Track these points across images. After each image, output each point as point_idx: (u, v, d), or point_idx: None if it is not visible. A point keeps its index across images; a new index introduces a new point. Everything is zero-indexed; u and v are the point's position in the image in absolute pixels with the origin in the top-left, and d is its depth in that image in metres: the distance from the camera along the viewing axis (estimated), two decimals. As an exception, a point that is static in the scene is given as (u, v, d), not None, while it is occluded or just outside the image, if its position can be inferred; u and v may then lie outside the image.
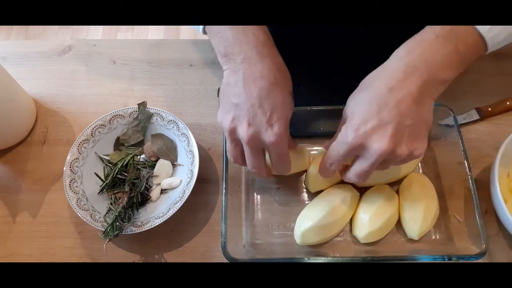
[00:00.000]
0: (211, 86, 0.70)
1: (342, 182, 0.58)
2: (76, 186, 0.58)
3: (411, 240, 0.55)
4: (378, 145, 0.42)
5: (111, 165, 0.61)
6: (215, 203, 0.60)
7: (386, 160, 0.44)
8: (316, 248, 0.55)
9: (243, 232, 0.57)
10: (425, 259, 0.49)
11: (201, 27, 0.49)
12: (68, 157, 0.59)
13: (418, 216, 0.53)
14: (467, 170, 0.53)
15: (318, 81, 0.65)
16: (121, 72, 0.73)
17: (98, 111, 0.69)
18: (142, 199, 0.59)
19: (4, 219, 0.61)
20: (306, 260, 0.50)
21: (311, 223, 0.53)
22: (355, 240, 0.56)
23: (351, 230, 0.56)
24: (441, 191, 0.57)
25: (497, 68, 0.68)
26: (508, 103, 0.64)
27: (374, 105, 0.42)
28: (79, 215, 0.55)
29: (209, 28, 0.48)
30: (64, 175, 0.58)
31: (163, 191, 0.61)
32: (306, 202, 0.58)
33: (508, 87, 0.66)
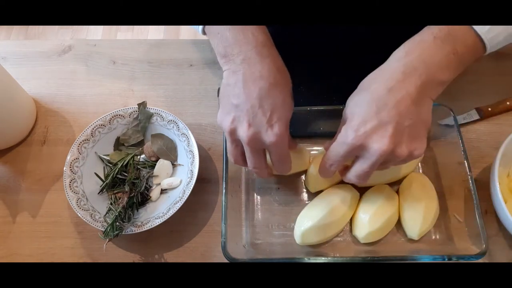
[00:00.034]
0: (211, 86, 0.70)
1: (342, 182, 0.58)
2: (76, 186, 0.58)
3: (411, 240, 0.55)
4: (378, 145, 0.42)
5: (111, 165, 0.61)
6: (215, 203, 0.60)
7: (386, 161, 0.44)
8: (316, 248, 0.55)
9: (243, 232, 0.57)
10: (425, 259, 0.49)
11: (200, 27, 0.49)
12: (68, 157, 0.59)
13: (418, 216, 0.53)
14: (467, 170, 0.53)
15: (318, 81, 0.65)
16: (121, 72, 0.73)
17: (98, 111, 0.69)
18: (142, 199, 0.59)
19: (4, 219, 0.61)
20: (306, 260, 0.50)
21: (311, 223, 0.53)
22: (355, 240, 0.56)
23: (351, 230, 0.56)
24: (441, 191, 0.57)
25: (496, 68, 0.68)
26: (508, 103, 0.64)
27: (373, 105, 0.42)
28: (79, 215, 0.55)
29: (208, 28, 0.48)
30: (64, 175, 0.58)
31: (163, 191, 0.61)
32: (306, 202, 0.58)
33: (508, 87, 0.66)
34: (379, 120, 0.42)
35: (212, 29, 0.48)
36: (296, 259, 0.50)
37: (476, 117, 0.64)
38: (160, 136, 0.63)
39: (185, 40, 0.76)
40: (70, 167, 0.59)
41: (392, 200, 0.55)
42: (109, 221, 0.54)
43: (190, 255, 0.57)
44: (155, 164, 0.62)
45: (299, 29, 0.65)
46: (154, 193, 0.60)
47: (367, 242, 0.54)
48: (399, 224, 0.56)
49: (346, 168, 0.49)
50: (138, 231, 0.54)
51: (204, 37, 0.51)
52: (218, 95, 0.50)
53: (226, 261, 0.50)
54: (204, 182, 0.62)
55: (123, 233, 0.54)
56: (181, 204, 0.55)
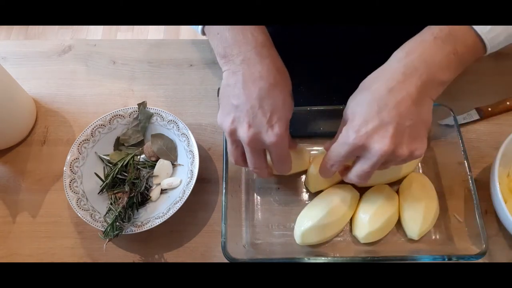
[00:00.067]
0: (211, 86, 0.70)
1: (342, 182, 0.58)
2: (76, 186, 0.58)
3: (411, 240, 0.55)
4: (379, 145, 0.42)
5: (111, 165, 0.61)
6: (215, 203, 0.60)
7: (387, 161, 0.44)
8: (316, 248, 0.55)
9: (243, 232, 0.57)
10: (425, 259, 0.49)
11: (199, 28, 0.49)
12: (68, 157, 0.59)
13: (418, 216, 0.53)
14: (467, 170, 0.53)
15: (318, 81, 0.65)
16: (121, 72, 0.73)
17: (98, 111, 0.69)
18: (142, 199, 0.59)
19: (4, 219, 0.61)
20: (306, 260, 0.50)
21: (311, 223, 0.53)
22: (355, 240, 0.56)
23: (351, 230, 0.56)
24: (441, 191, 0.57)
25: (497, 68, 0.68)
26: (508, 103, 0.64)
27: (374, 106, 0.42)
28: (79, 215, 0.55)
29: (208, 29, 0.48)
30: (64, 175, 0.58)
31: (163, 191, 0.61)
32: (306, 202, 0.58)
33: (508, 87, 0.66)
34: (380, 120, 0.42)
35: (211, 29, 0.48)
36: (296, 259, 0.50)
37: (476, 117, 0.64)
38: (160, 136, 0.63)
39: (185, 40, 0.76)
40: (70, 167, 0.59)
41: (392, 200, 0.55)
42: (109, 221, 0.54)
43: (190, 255, 0.57)
44: (155, 164, 0.62)
45: (299, 29, 0.65)
46: (154, 193, 0.60)
47: (367, 242, 0.54)
48: (399, 224, 0.56)
49: (346, 169, 0.49)
50: (138, 231, 0.54)
51: (204, 37, 0.51)
52: (218, 95, 0.50)
53: (226, 261, 0.50)
54: (204, 182, 0.62)
55: (123, 233, 0.54)
56: (181, 204, 0.55)
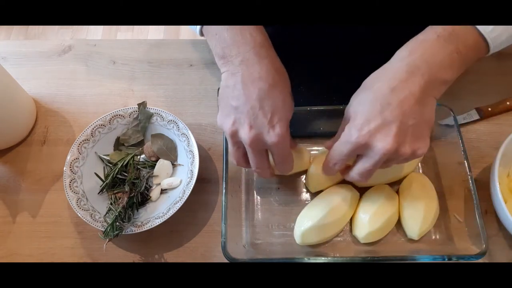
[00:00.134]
0: (211, 86, 0.70)
1: (342, 182, 0.58)
2: (76, 186, 0.58)
3: (411, 240, 0.55)
4: (382, 144, 0.42)
5: (111, 165, 0.61)
6: (215, 203, 0.60)
7: (389, 159, 0.44)
8: (316, 248, 0.55)
9: (243, 232, 0.57)
10: (425, 259, 0.49)
11: (198, 28, 0.49)
12: (68, 157, 0.59)
13: (418, 216, 0.53)
14: (467, 170, 0.53)
15: (318, 81, 0.65)
16: (121, 72, 0.73)
17: (98, 111, 0.69)
18: (142, 199, 0.59)
19: (4, 219, 0.61)
20: (306, 260, 0.50)
21: (311, 223, 0.53)
22: (355, 240, 0.56)
23: (351, 230, 0.56)
24: (441, 191, 0.57)
25: (497, 68, 0.68)
26: (508, 103, 0.64)
27: (377, 105, 0.42)
28: (79, 215, 0.55)
29: (206, 29, 0.48)
30: (64, 175, 0.58)
31: (163, 191, 0.61)
32: (306, 202, 0.58)
33: (508, 87, 0.66)
34: (383, 119, 0.42)
35: (209, 30, 0.48)
36: (296, 259, 0.50)
37: (476, 117, 0.64)
38: (160, 136, 0.63)
39: (185, 40, 0.76)
40: (70, 167, 0.59)
41: (392, 200, 0.55)
42: (109, 221, 0.54)
43: (190, 255, 0.57)
44: (155, 164, 0.62)
45: (299, 29, 0.65)
46: (154, 193, 0.60)
47: (367, 242, 0.54)
48: (399, 224, 0.56)
49: (347, 167, 0.49)
50: (138, 231, 0.54)
51: (204, 38, 0.51)
52: (218, 96, 0.50)
53: (226, 261, 0.50)
54: (204, 182, 0.62)
55: (123, 233, 0.54)
56: (181, 204, 0.55)
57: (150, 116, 0.63)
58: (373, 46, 0.59)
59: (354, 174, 0.47)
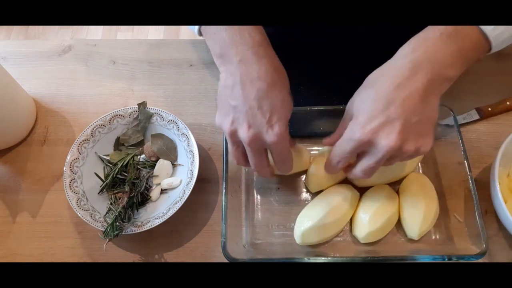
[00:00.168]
0: (211, 86, 0.70)
1: (342, 182, 0.58)
2: (76, 186, 0.58)
3: (411, 240, 0.55)
4: (386, 141, 0.42)
5: (111, 165, 0.61)
6: (215, 203, 0.60)
7: (392, 156, 0.44)
8: (316, 248, 0.55)
9: (243, 232, 0.57)
10: (425, 259, 0.49)
11: (196, 28, 0.49)
12: (68, 157, 0.59)
13: (418, 216, 0.53)
14: (467, 170, 0.53)
15: (318, 81, 0.65)
16: (121, 72, 0.73)
17: (98, 111, 0.69)
18: (142, 199, 0.59)
19: (4, 219, 0.61)
20: (306, 260, 0.50)
21: (311, 223, 0.53)
22: (355, 240, 0.56)
23: (351, 230, 0.56)
24: (441, 191, 0.57)
25: (497, 68, 0.68)
26: (508, 103, 0.64)
27: (380, 102, 0.42)
28: (79, 215, 0.55)
29: (204, 29, 0.48)
30: (64, 175, 0.58)
31: (163, 191, 0.61)
32: (306, 202, 0.58)
33: (508, 87, 0.66)
34: (386, 116, 0.42)
35: (208, 29, 0.48)
36: (296, 259, 0.50)
37: (476, 117, 0.64)
38: (160, 136, 0.63)
39: (185, 40, 0.76)
40: (70, 167, 0.59)
41: (392, 200, 0.55)
42: (109, 221, 0.54)
43: (190, 255, 0.57)
44: (155, 164, 0.62)
45: (299, 29, 0.65)
46: (154, 193, 0.60)
47: (367, 242, 0.54)
48: (399, 224, 0.56)
49: (349, 165, 0.49)
50: (138, 231, 0.54)
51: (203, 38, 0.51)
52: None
53: (226, 261, 0.50)
54: (204, 182, 0.62)
55: (123, 233, 0.54)
56: (181, 204, 0.55)
57: (150, 116, 0.63)
58: (373, 46, 0.59)
59: (357, 171, 0.47)
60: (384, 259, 0.49)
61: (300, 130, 0.60)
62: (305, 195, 0.60)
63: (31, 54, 0.75)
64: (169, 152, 0.62)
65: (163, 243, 0.58)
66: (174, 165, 0.62)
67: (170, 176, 0.61)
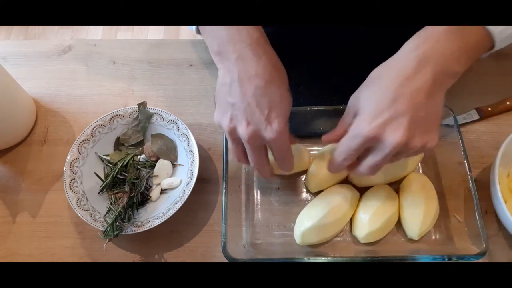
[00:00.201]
0: (211, 86, 0.70)
1: (342, 182, 0.58)
2: (76, 186, 0.58)
3: (411, 240, 0.55)
4: (393, 137, 0.41)
5: (111, 165, 0.61)
6: (215, 203, 0.60)
7: (399, 152, 0.44)
8: (316, 248, 0.55)
9: (243, 232, 0.57)
10: (425, 259, 0.49)
11: (194, 26, 0.49)
12: (68, 157, 0.59)
13: (418, 216, 0.53)
14: (467, 170, 0.53)
15: (318, 81, 0.65)
16: (121, 72, 0.73)
17: (98, 111, 0.69)
18: (142, 199, 0.59)
19: (4, 219, 0.61)
20: (306, 260, 0.50)
21: (311, 223, 0.53)
22: (355, 240, 0.56)
23: (351, 230, 0.56)
24: (441, 191, 0.57)
25: (497, 68, 0.68)
26: (508, 103, 0.64)
27: (386, 98, 0.42)
28: (79, 215, 0.55)
29: (203, 27, 0.48)
30: (64, 175, 0.58)
31: (163, 191, 0.61)
32: (306, 202, 0.58)
33: (509, 87, 0.66)
34: (393, 112, 0.42)
35: (206, 27, 0.48)
36: (296, 259, 0.50)
37: (476, 117, 0.64)
38: (160, 136, 0.63)
39: (185, 40, 0.76)
40: (70, 167, 0.59)
41: (392, 200, 0.55)
42: (109, 221, 0.54)
43: (190, 255, 0.57)
44: (155, 164, 0.62)
45: (299, 29, 0.65)
46: (154, 193, 0.60)
47: (367, 242, 0.54)
48: (399, 224, 0.56)
49: (353, 164, 0.49)
50: (138, 231, 0.54)
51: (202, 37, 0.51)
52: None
53: (226, 261, 0.50)
54: (204, 182, 0.62)
55: (123, 233, 0.54)
56: (181, 204, 0.55)
57: (150, 116, 0.63)
58: (373, 46, 0.59)
59: (363, 168, 0.46)
60: (384, 259, 0.49)
61: (300, 130, 0.60)
62: (305, 195, 0.60)
63: (31, 54, 0.75)
64: (169, 152, 0.62)
65: (163, 243, 0.58)
66: (174, 165, 0.62)
67: (170, 176, 0.61)
